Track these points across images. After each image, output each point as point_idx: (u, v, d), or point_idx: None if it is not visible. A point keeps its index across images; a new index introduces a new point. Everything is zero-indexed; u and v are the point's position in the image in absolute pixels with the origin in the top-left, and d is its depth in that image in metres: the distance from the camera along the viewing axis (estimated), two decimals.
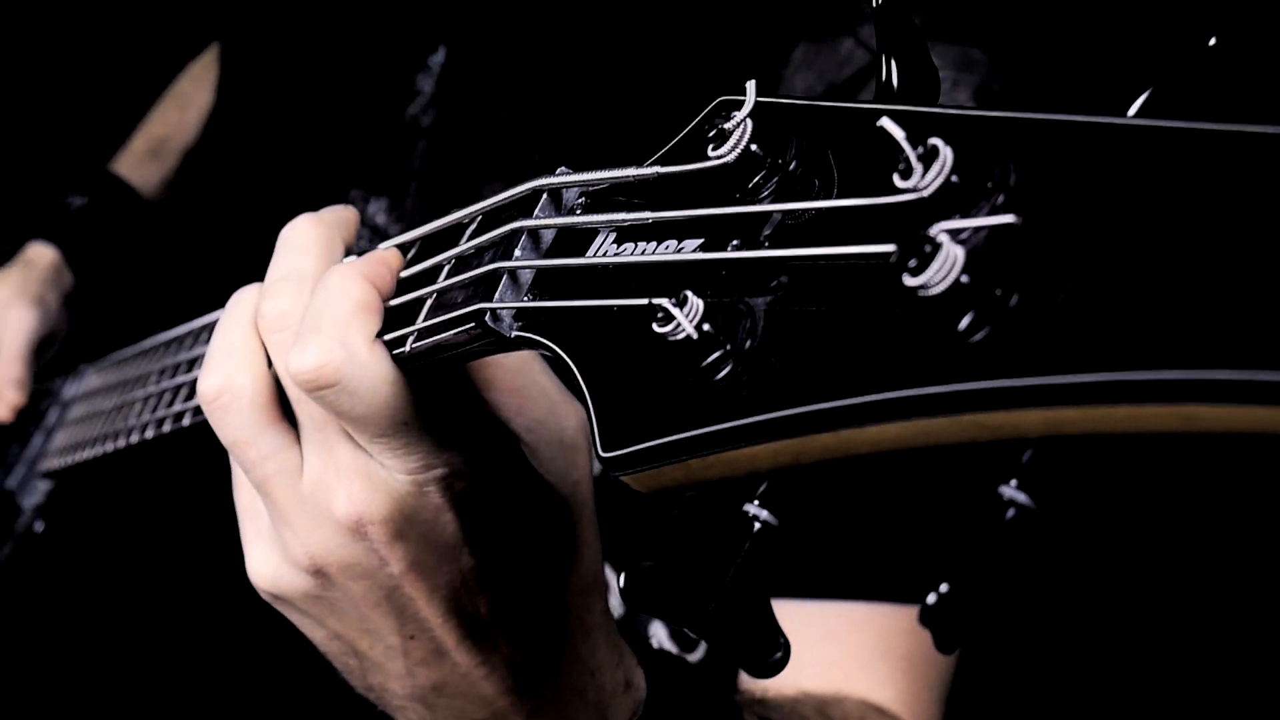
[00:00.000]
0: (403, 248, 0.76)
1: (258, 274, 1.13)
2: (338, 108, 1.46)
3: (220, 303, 1.09)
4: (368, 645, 0.76)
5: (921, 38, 0.60)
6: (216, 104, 1.63)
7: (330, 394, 0.67)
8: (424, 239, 0.75)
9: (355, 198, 1.42)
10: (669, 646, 1.21)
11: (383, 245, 0.76)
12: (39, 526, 1.52)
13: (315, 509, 0.72)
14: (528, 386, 0.76)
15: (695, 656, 1.22)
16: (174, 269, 1.63)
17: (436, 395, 0.70)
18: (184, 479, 1.43)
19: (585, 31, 1.32)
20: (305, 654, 0.98)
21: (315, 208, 1.40)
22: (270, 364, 0.75)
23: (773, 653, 0.55)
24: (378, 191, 1.41)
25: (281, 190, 1.49)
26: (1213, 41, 0.52)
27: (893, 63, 0.59)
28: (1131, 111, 0.51)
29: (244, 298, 0.78)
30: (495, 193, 0.71)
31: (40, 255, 1.65)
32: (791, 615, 1.20)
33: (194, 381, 1.04)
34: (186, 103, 1.80)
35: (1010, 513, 0.48)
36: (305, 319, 0.69)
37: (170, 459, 1.27)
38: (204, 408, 0.75)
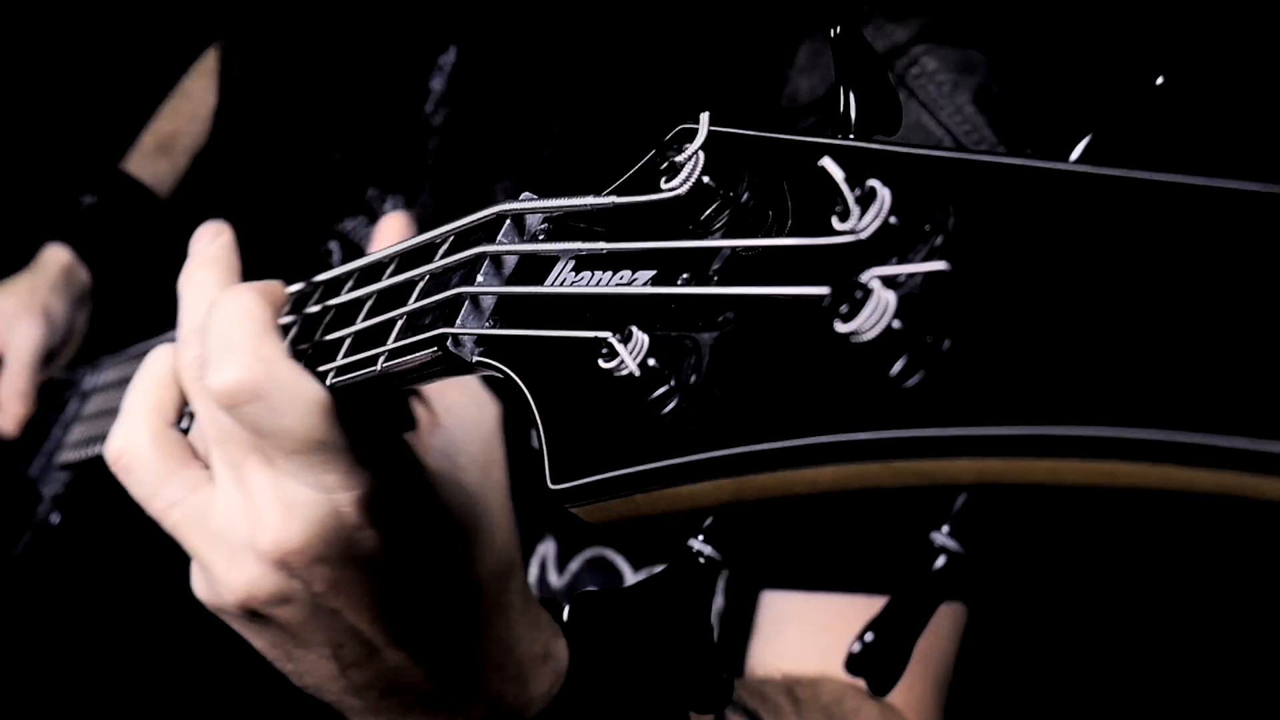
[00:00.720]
0: (378, 265, 0.76)
1: (275, 269, 1.12)
2: (352, 107, 1.46)
3: None
4: (301, 654, 0.78)
5: (882, 67, 0.59)
6: (227, 103, 1.62)
7: (251, 409, 0.67)
8: (401, 255, 0.75)
9: (371, 196, 1.42)
10: None
11: (365, 258, 0.77)
12: (55, 519, 1.53)
13: (231, 545, 0.73)
14: (439, 402, 0.77)
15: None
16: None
17: (356, 412, 0.70)
18: None
19: (592, 30, 1.31)
20: None
21: (330, 204, 1.41)
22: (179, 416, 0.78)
23: (714, 685, 0.55)
24: (392, 189, 1.41)
25: (297, 188, 1.49)
26: (1160, 81, 0.51)
27: (851, 94, 0.58)
28: (1075, 154, 0.50)
29: (154, 358, 0.80)
30: (506, 191, 0.71)
31: (53, 258, 1.65)
32: (790, 605, 1.21)
33: None
34: (194, 100, 1.80)
35: (940, 561, 0.47)
36: (213, 342, 0.68)
37: None
38: (111, 468, 0.78)
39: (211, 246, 0.81)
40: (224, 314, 0.69)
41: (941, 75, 1.19)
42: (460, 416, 0.77)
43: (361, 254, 0.85)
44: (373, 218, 1.40)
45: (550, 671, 0.84)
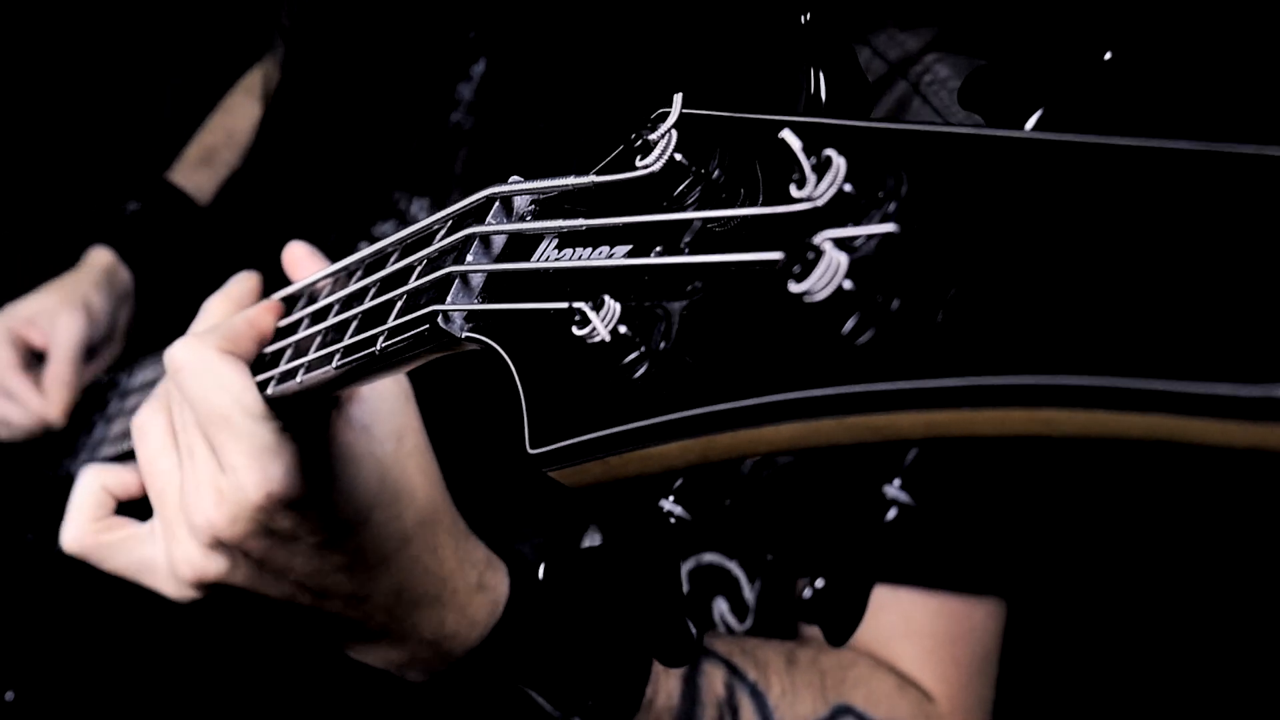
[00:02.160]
0: (385, 255, 0.77)
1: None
2: (383, 115, 1.47)
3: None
4: (273, 599, 0.89)
5: (852, 51, 0.59)
6: (270, 112, 1.64)
7: (179, 377, 0.82)
8: (404, 243, 0.76)
9: (399, 198, 1.43)
10: (730, 619, 1.20)
11: (370, 248, 0.80)
12: None
13: (183, 526, 0.85)
14: (364, 391, 0.87)
15: (745, 625, 1.21)
16: (229, 267, 1.65)
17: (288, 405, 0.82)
18: None
19: (617, 42, 1.31)
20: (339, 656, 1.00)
21: (362, 209, 1.42)
22: None
23: (681, 644, 0.55)
24: (420, 193, 1.42)
25: (330, 193, 1.50)
26: (1108, 56, 0.51)
27: (820, 76, 0.58)
28: (1028, 126, 0.50)
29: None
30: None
31: (96, 258, 1.67)
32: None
33: None
34: (237, 115, 1.82)
35: (892, 513, 0.47)
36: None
37: None
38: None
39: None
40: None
41: (953, 82, 1.19)
42: (376, 391, 0.86)
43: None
44: (402, 221, 1.42)
45: (488, 600, 0.92)
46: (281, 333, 0.87)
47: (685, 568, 1.15)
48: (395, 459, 0.87)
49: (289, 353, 0.83)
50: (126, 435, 1.42)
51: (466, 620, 0.91)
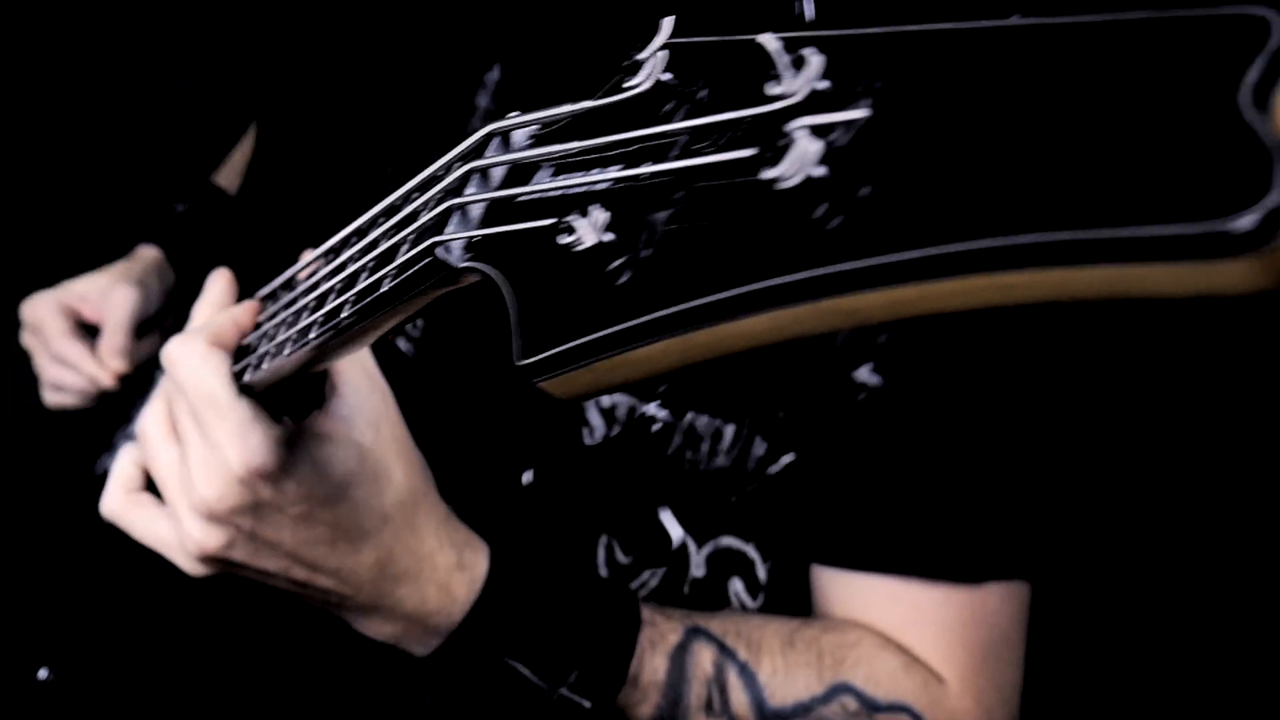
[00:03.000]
0: (374, 218, 0.79)
1: None
2: (404, 123, 1.49)
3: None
4: (273, 579, 0.97)
5: None
6: (291, 121, 1.67)
7: (174, 369, 0.90)
8: (407, 192, 0.77)
9: None
10: (744, 598, 1.20)
11: (356, 221, 0.86)
12: None
13: (185, 505, 0.92)
14: (341, 379, 0.94)
15: (756, 603, 1.20)
16: (258, 269, 1.67)
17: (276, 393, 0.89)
18: None
19: (626, 46, 1.33)
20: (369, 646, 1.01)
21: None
22: None
23: (657, 539, 0.55)
24: None
25: (351, 199, 1.52)
26: None
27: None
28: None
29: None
30: None
31: (146, 253, 1.71)
32: (837, 585, 1.19)
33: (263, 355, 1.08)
34: None
35: (861, 395, 0.47)
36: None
37: None
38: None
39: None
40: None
41: None
42: (355, 386, 0.94)
43: None
44: None
45: (467, 578, 0.98)
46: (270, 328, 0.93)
47: (704, 551, 1.15)
48: (373, 444, 0.94)
49: (281, 333, 0.89)
50: None
51: (448, 596, 0.98)
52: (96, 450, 1.65)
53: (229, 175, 1.83)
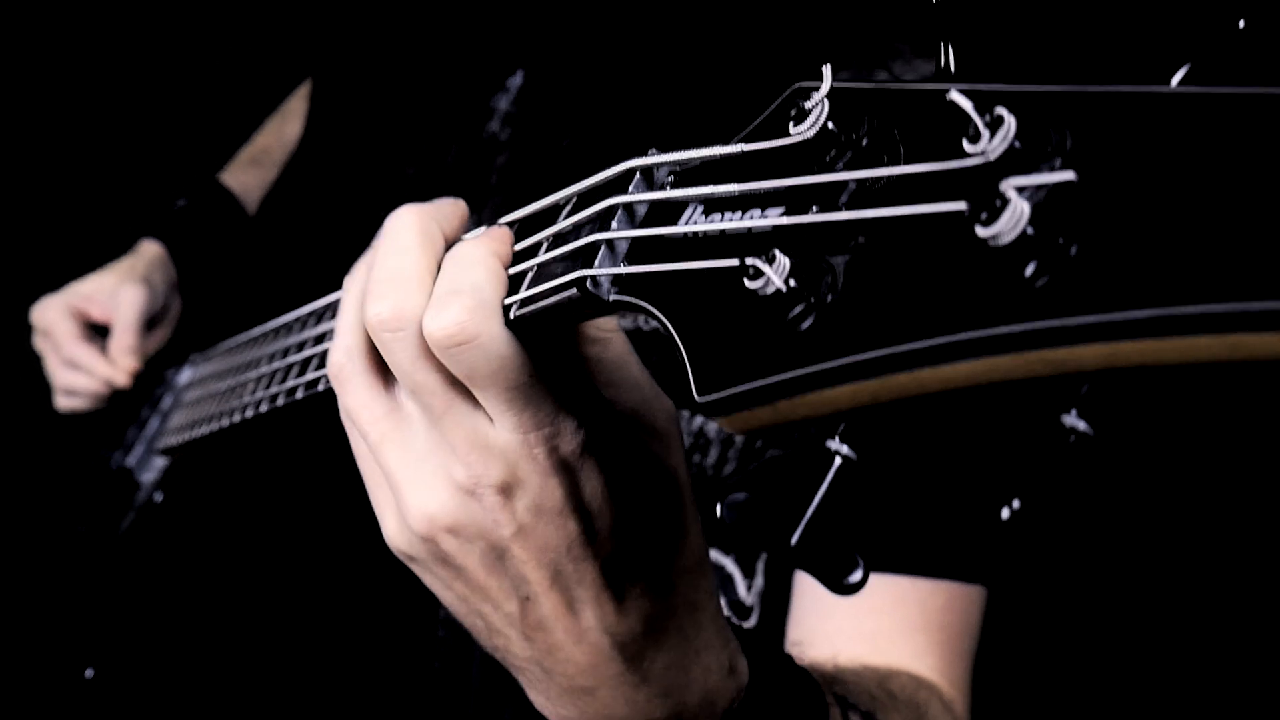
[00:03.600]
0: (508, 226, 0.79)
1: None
2: (421, 124, 1.49)
3: (314, 298, 1.12)
4: (489, 610, 0.76)
5: (976, 25, 0.62)
6: (311, 121, 1.66)
7: (467, 350, 0.68)
8: (524, 219, 0.78)
9: None
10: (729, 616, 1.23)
11: (499, 221, 0.78)
12: (158, 497, 1.55)
13: (431, 473, 0.73)
14: (624, 379, 0.76)
15: (749, 623, 1.24)
16: (274, 266, 1.67)
17: (551, 365, 0.72)
18: (290, 451, 1.46)
19: (648, 56, 1.34)
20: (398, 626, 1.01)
21: None
22: None
23: (850, 573, 0.57)
24: (457, 199, 1.44)
25: (370, 200, 1.52)
26: (1242, 24, 0.54)
27: (950, 48, 0.61)
28: (1174, 82, 0.53)
29: (357, 283, 0.79)
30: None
31: (148, 249, 1.70)
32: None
33: (305, 360, 1.07)
34: (292, 119, 1.84)
35: (1072, 439, 0.49)
36: (441, 284, 0.71)
37: (280, 433, 1.30)
38: (331, 380, 0.78)
39: (439, 205, 0.78)
40: (457, 261, 0.72)
41: None
42: (634, 425, 0.76)
43: None
44: None
45: (733, 686, 0.80)
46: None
47: None
48: (669, 489, 0.77)
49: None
50: (192, 425, 1.43)
51: (708, 708, 0.79)
52: (107, 447, 1.64)
53: (234, 172, 1.82)
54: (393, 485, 0.75)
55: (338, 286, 0.85)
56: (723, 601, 1.24)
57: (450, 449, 0.72)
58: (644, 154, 0.69)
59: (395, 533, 0.77)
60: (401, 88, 1.51)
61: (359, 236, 1.54)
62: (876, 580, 1.14)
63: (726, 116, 1.28)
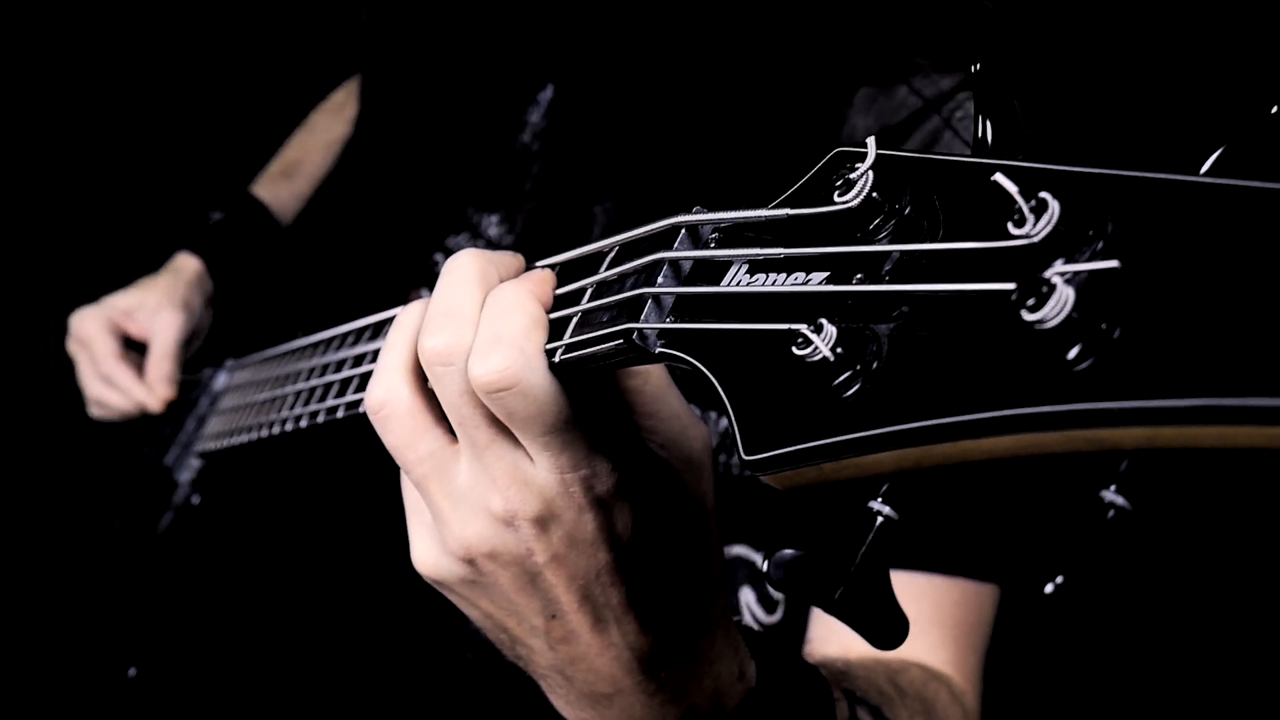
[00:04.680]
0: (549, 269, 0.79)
1: (390, 278, 1.11)
2: (457, 137, 1.49)
3: (352, 308, 1.13)
4: (515, 624, 0.79)
5: (1012, 99, 0.63)
6: (355, 134, 1.66)
7: (508, 396, 0.70)
8: (566, 264, 0.78)
9: (472, 214, 1.46)
10: (756, 610, 1.24)
11: (537, 264, 0.79)
12: (195, 499, 1.56)
13: (471, 505, 0.75)
14: (662, 410, 0.78)
15: (775, 616, 1.26)
16: (312, 274, 1.68)
17: (589, 406, 0.73)
18: (324, 462, 1.47)
19: (672, 71, 1.35)
20: (427, 626, 1.02)
21: (437, 222, 1.45)
22: (426, 379, 0.77)
23: (894, 628, 0.58)
24: (492, 209, 1.45)
25: (408, 208, 1.53)
26: (1275, 109, 0.54)
27: (988, 122, 0.61)
28: (1204, 169, 0.53)
29: (407, 320, 0.80)
30: (606, 211, 0.73)
31: (185, 263, 1.71)
32: None
33: (345, 380, 1.07)
34: (319, 132, 1.84)
35: (1110, 514, 0.50)
36: (484, 330, 0.72)
37: (316, 446, 1.30)
38: (370, 417, 0.79)
39: (502, 256, 0.79)
40: (499, 306, 0.72)
41: None
42: (671, 453, 0.78)
43: None
44: (474, 234, 1.44)
45: (742, 689, 0.83)
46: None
47: None
48: (697, 514, 0.79)
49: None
50: (229, 433, 1.44)
51: (718, 709, 0.82)
52: (148, 444, 1.65)
53: (266, 184, 1.82)
54: (435, 516, 0.77)
55: (372, 296, 0.85)
56: (753, 595, 1.25)
57: (491, 480, 0.74)
58: (689, 210, 0.70)
59: (426, 557, 0.79)
60: (439, 103, 1.52)
61: (397, 244, 1.55)
62: (893, 577, 1.15)
63: (751, 128, 1.29)
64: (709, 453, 0.80)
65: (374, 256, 1.51)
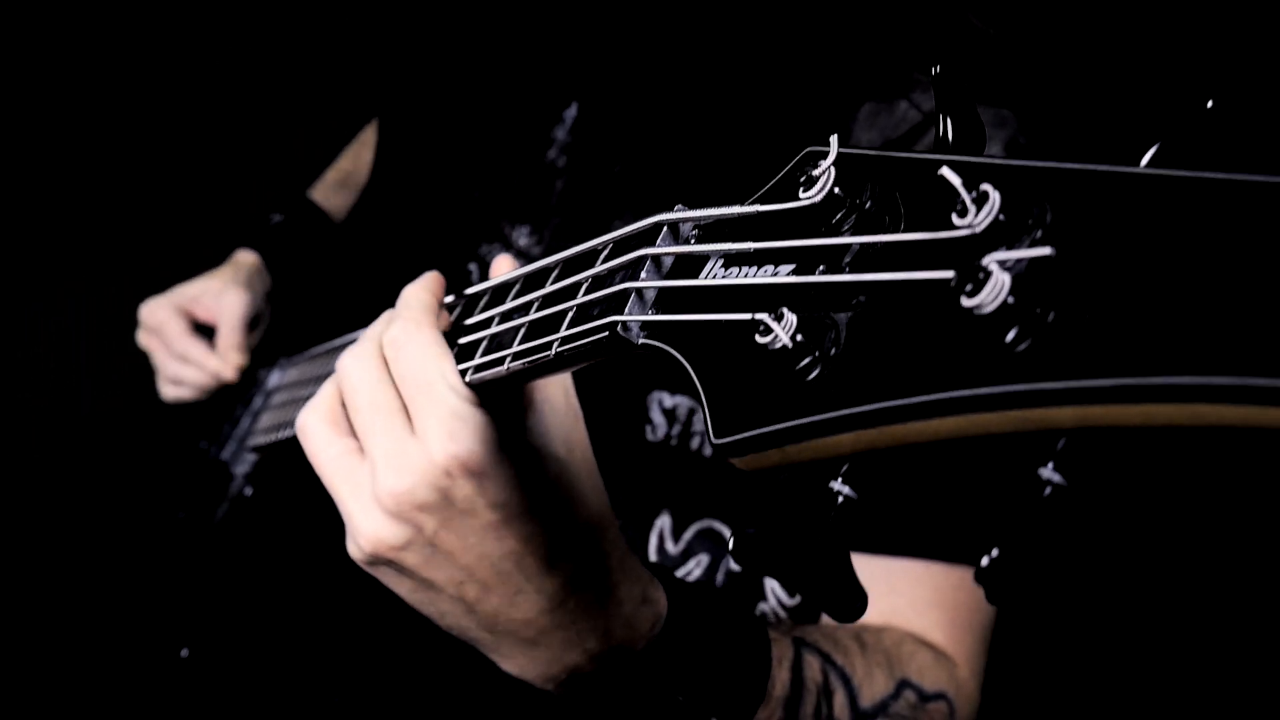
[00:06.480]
0: (548, 268, 0.80)
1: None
2: (487, 152, 1.51)
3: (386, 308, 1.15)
4: (434, 596, 0.85)
5: (972, 99, 0.63)
6: (381, 152, 1.69)
7: (398, 350, 0.84)
8: (565, 261, 0.79)
9: (504, 225, 1.47)
10: (780, 593, 1.24)
11: (533, 265, 0.81)
12: (249, 491, 1.59)
13: (365, 497, 0.82)
14: (549, 400, 0.86)
15: (795, 600, 1.25)
16: (357, 278, 1.70)
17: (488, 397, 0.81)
18: None
19: (687, 91, 1.35)
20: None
21: (470, 233, 1.47)
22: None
23: (853, 602, 0.58)
24: (521, 220, 1.46)
25: (442, 220, 1.54)
26: (1210, 104, 0.54)
27: (949, 120, 0.61)
28: (1144, 161, 0.53)
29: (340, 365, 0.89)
30: (625, 225, 0.75)
31: (246, 258, 1.73)
32: (863, 569, 1.24)
33: None
34: (371, 146, 1.87)
35: (1047, 490, 0.50)
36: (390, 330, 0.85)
37: None
38: (298, 435, 0.89)
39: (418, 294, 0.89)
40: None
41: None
42: (554, 405, 0.86)
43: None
44: (505, 244, 1.46)
45: (650, 614, 0.90)
46: (473, 328, 0.88)
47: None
48: (569, 463, 0.86)
49: (483, 345, 0.84)
50: (276, 428, 1.46)
51: (632, 632, 0.88)
52: (207, 439, 1.68)
53: (324, 191, 1.85)
54: (344, 516, 0.83)
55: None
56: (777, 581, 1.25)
57: (374, 469, 0.81)
58: (671, 209, 0.71)
59: (352, 553, 0.85)
60: (468, 120, 1.54)
61: (430, 252, 1.57)
62: (893, 563, 1.16)
63: (762, 143, 1.30)
64: (576, 403, 0.88)
65: (413, 263, 1.53)
